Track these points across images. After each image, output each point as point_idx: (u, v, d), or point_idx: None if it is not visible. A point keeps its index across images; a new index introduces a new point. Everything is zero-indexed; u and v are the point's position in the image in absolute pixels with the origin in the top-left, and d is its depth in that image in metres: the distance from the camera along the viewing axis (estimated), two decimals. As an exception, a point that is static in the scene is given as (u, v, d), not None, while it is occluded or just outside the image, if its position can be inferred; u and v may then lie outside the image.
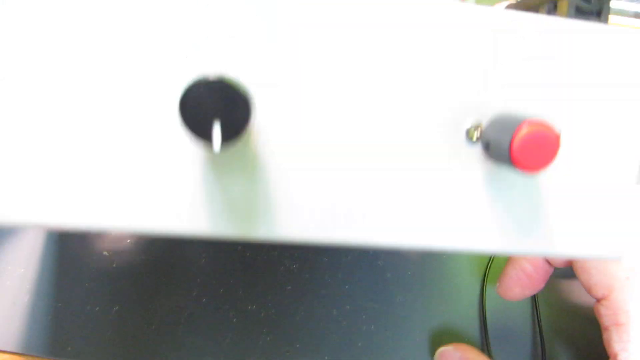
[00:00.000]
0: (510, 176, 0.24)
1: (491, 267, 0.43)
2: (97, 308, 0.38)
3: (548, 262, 0.35)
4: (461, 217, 0.25)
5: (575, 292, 0.42)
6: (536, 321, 0.39)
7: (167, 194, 0.23)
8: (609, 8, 0.25)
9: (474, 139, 0.23)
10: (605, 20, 0.25)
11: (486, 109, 0.24)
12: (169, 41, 0.22)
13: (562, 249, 0.25)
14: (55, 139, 0.22)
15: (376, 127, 0.24)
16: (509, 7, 0.35)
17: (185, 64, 0.22)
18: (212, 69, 0.20)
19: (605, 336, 0.31)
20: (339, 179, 0.24)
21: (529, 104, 0.24)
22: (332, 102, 0.24)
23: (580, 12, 0.25)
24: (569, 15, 0.26)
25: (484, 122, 0.24)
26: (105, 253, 0.41)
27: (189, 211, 0.23)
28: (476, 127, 0.23)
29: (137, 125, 0.22)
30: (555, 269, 0.35)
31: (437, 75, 0.24)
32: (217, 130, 0.19)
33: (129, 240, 0.42)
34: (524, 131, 0.20)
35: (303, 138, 0.24)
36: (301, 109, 0.24)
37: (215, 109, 0.19)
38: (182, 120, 0.19)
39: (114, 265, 0.41)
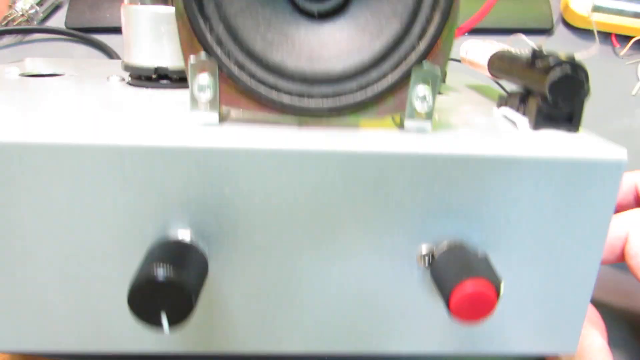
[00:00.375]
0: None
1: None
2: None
3: None
4: (410, 325, 0.26)
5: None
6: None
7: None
8: (581, 112, 0.25)
9: (425, 265, 0.25)
10: (577, 125, 0.25)
11: (438, 238, 0.25)
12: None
13: (509, 348, 0.27)
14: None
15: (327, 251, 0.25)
16: (492, 60, 0.34)
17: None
18: (158, 263, 0.21)
19: None
20: (294, 303, 0.26)
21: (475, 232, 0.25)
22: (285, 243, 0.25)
23: (549, 118, 0.25)
24: (536, 119, 0.25)
25: (437, 251, 0.24)
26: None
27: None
28: (427, 254, 0.25)
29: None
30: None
31: (389, 204, 0.24)
32: (164, 320, 0.20)
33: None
34: (461, 293, 0.21)
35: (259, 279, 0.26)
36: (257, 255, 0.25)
37: (161, 302, 0.21)
38: (132, 312, 0.20)
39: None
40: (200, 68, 0.24)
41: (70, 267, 0.25)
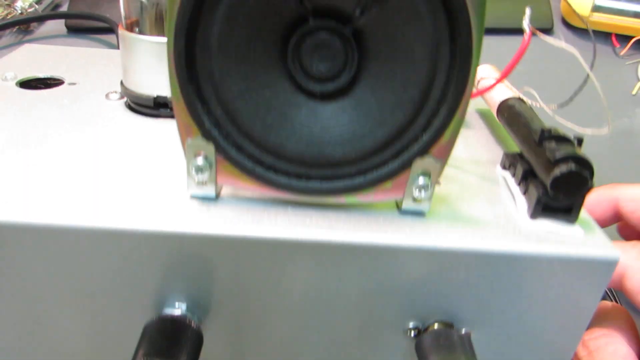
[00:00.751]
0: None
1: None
2: None
3: None
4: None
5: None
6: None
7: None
8: (581, 204, 0.25)
9: (411, 336, 0.26)
10: (575, 217, 0.25)
11: (426, 316, 0.26)
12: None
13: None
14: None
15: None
16: (502, 108, 0.33)
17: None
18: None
19: None
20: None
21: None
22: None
23: (548, 208, 0.25)
24: (535, 209, 0.25)
25: (423, 327, 0.26)
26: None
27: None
28: (414, 329, 0.26)
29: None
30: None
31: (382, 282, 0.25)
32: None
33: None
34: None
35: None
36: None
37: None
38: None
39: None
40: (197, 150, 0.24)
41: (75, 340, 0.26)
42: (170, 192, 0.25)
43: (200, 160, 0.24)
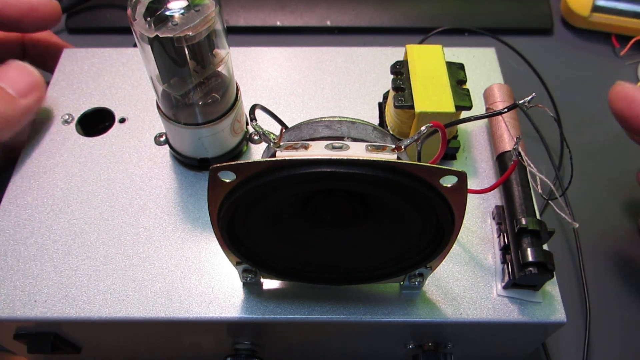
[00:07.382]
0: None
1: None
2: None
3: None
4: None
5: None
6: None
7: None
8: (542, 286, 0.32)
9: (410, 347, 0.36)
10: (537, 290, 0.32)
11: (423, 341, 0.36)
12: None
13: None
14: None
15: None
16: (501, 157, 0.39)
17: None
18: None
19: None
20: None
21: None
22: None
23: (516, 285, 0.32)
24: (506, 284, 0.32)
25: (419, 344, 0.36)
26: None
27: None
28: (414, 347, 0.36)
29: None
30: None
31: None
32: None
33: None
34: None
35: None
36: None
37: None
38: None
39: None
40: (244, 269, 0.31)
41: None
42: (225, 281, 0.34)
43: (246, 273, 0.32)
